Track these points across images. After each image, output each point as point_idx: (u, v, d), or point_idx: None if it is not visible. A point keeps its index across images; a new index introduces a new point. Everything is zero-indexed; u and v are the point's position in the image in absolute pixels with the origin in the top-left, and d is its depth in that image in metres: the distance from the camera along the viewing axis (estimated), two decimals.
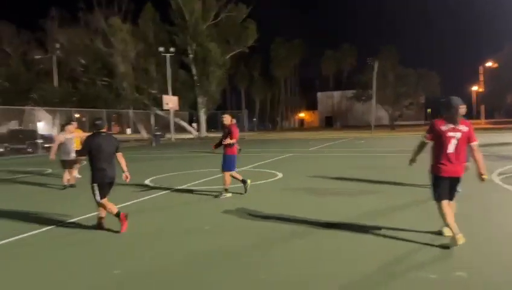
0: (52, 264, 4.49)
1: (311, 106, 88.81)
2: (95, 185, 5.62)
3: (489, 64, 56.69)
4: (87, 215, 6.54)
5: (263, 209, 6.69)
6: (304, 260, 4.34)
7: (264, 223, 5.87)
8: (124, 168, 5.93)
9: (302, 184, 9.35)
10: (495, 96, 56.76)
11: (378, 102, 48.99)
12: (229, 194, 7.92)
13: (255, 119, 77.76)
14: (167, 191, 8.88)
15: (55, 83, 38.56)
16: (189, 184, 9.77)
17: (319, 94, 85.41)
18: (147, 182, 10.33)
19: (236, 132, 7.98)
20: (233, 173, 8.09)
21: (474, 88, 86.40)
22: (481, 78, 57.08)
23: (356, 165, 12.83)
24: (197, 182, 10.19)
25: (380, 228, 5.33)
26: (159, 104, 39.58)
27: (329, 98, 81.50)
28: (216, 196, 7.97)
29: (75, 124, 10.78)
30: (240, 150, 8.20)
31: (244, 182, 8.13)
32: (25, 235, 5.61)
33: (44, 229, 5.89)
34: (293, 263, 4.26)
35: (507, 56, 51.57)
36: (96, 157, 5.59)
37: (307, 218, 6.00)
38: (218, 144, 8.15)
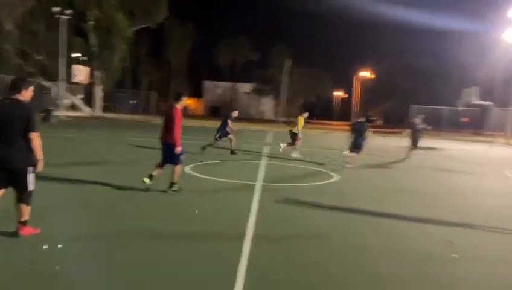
0: None
1: (197, 93, 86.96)
2: None
3: (364, 74, 63.11)
4: None
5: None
6: None
7: None
8: (39, 154, 4.20)
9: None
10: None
11: (277, 97, 50.62)
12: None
13: (136, 101, 73.40)
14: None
15: None
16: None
17: (206, 83, 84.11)
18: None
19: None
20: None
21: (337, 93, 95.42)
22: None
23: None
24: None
25: None
26: (46, 73, 33.61)
27: (217, 88, 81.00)
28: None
29: None
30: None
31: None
32: None
33: None
34: None
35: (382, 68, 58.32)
36: None
37: None
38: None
